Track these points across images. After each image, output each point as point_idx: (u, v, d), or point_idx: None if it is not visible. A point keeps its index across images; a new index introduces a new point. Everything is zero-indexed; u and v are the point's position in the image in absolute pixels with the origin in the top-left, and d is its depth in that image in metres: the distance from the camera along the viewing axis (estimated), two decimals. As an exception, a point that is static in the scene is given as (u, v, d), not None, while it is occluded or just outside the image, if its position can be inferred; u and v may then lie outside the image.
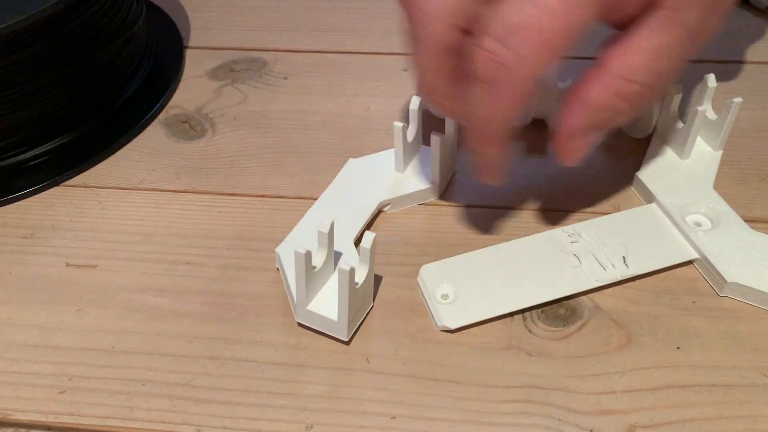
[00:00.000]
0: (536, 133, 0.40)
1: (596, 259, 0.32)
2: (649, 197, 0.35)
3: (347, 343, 0.30)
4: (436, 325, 0.30)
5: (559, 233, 0.33)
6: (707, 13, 0.27)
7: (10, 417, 0.28)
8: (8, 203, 0.37)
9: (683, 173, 0.35)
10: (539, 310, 0.31)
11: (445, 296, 0.31)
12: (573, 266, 0.31)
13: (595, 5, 0.25)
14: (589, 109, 0.28)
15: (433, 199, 0.36)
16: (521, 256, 0.32)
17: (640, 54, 0.27)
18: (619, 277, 0.31)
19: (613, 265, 0.31)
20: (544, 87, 0.38)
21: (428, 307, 0.31)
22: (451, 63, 0.28)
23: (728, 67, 0.44)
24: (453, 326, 0.30)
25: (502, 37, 0.25)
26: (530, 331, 0.30)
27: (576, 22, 0.25)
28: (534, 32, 0.25)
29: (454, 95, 0.29)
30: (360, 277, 0.29)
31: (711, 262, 0.31)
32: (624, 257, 0.32)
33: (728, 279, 0.30)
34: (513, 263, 0.32)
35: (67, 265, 0.34)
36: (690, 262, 0.32)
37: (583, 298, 0.31)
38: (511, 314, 0.30)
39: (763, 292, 0.30)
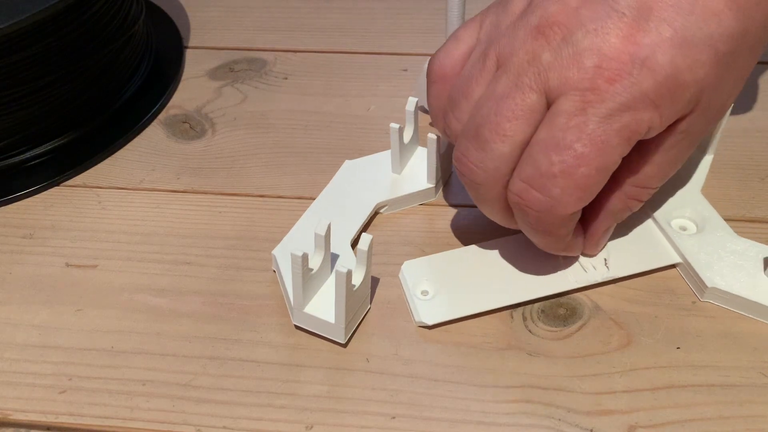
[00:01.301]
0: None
1: (578, 261, 0.32)
2: None
3: (345, 345, 0.30)
4: (414, 320, 0.30)
5: None
6: (712, 122, 0.28)
7: (10, 417, 0.28)
8: (8, 203, 0.37)
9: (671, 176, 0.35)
10: (539, 310, 0.31)
11: (425, 292, 0.31)
12: (554, 266, 0.31)
13: (625, 146, 0.26)
14: (611, 216, 0.30)
15: (430, 199, 0.36)
16: (503, 255, 0.32)
17: (653, 166, 0.28)
18: (599, 279, 0.31)
19: (594, 267, 0.31)
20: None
21: (407, 303, 0.31)
22: (509, 209, 0.29)
23: (728, 67, 0.44)
24: (430, 322, 0.30)
25: (534, 181, 0.26)
26: (530, 331, 0.30)
27: (606, 163, 0.26)
28: (563, 177, 0.26)
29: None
30: (357, 279, 0.29)
31: (693, 267, 0.31)
32: (605, 259, 0.32)
33: (708, 284, 0.30)
34: (494, 262, 0.32)
35: (67, 265, 0.34)
36: (673, 266, 0.32)
37: (583, 298, 0.31)
38: (490, 312, 0.30)
39: (742, 298, 0.30)
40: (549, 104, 0.26)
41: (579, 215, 0.28)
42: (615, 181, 0.28)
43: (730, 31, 0.25)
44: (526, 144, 0.27)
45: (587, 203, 0.27)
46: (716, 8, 0.25)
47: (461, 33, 0.30)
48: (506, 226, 0.30)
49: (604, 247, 0.32)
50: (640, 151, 0.27)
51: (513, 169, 0.27)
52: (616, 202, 0.29)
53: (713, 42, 0.25)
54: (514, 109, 0.26)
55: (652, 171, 0.28)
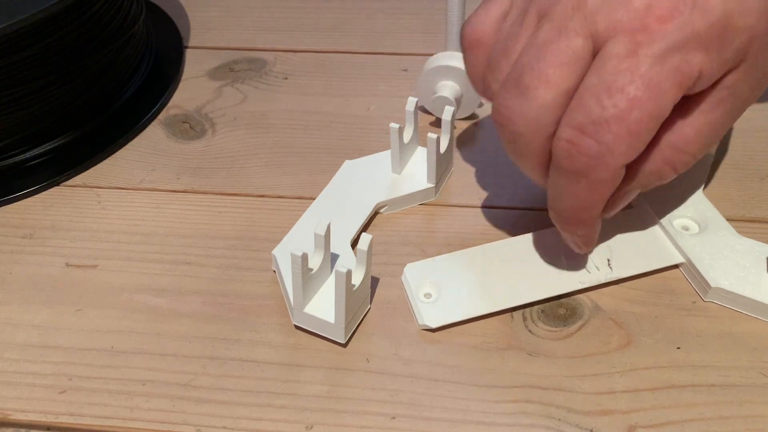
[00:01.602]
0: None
1: (581, 262, 0.32)
2: (637, 200, 0.34)
3: (344, 345, 0.30)
4: (417, 323, 0.30)
5: (545, 234, 0.33)
6: (757, 86, 0.27)
7: (10, 417, 0.28)
8: (8, 203, 0.37)
9: None
10: (539, 310, 0.31)
11: (428, 295, 0.31)
12: (557, 268, 0.31)
13: (677, 91, 0.25)
14: (642, 177, 0.28)
15: (430, 199, 0.36)
16: (506, 256, 0.32)
17: (695, 128, 0.27)
18: (603, 280, 0.31)
19: (598, 268, 0.31)
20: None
21: (410, 305, 0.31)
22: (547, 165, 0.28)
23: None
24: (434, 325, 0.30)
25: (586, 128, 0.25)
26: (530, 331, 0.30)
27: (659, 108, 0.25)
28: (616, 122, 0.25)
29: None
30: (357, 279, 0.29)
31: (696, 267, 0.31)
32: (609, 260, 0.32)
33: (712, 284, 0.30)
34: (497, 264, 0.32)
35: (67, 265, 0.34)
36: (676, 266, 0.32)
37: (583, 298, 0.31)
38: (493, 314, 0.30)
39: (746, 298, 0.30)
40: (595, 51, 0.25)
41: (623, 173, 0.26)
42: (654, 140, 0.27)
43: None
44: (570, 93, 0.26)
45: (637, 154, 0.26)
46: None
47: None
48: (540, 184, 0.29)
49: (616, 211, 0.30)
50: (681, 110, 0.26)
51: (555, 120, 0.26)
52: (650, 163, 0.27)
53: None
54: (558, 54, 0.25)
55: (691, 133, 0.27)
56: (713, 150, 0.36)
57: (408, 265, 0.32)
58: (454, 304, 0.30)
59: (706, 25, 0.24)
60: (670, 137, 0.27)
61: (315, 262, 0.29)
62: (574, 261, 0.32)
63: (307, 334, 0.30)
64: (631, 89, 0.24)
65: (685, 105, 0.26)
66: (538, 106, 0.26)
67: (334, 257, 0.31)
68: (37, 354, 0.30)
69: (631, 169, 0.27)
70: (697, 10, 0.24)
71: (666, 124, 0.26)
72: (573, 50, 0.25)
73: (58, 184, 0.38)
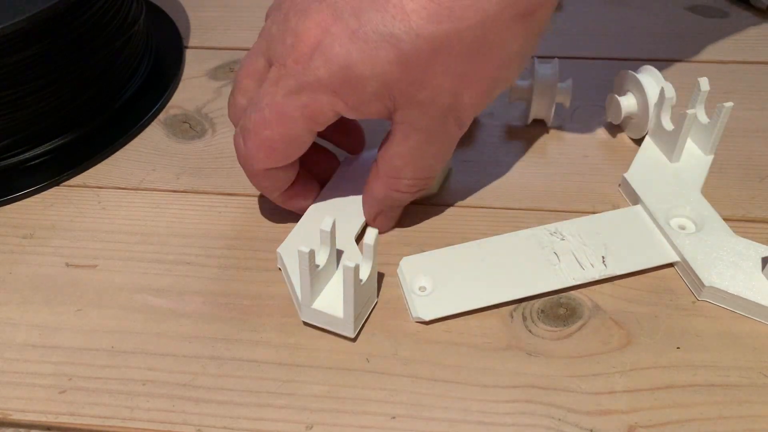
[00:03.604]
0: (536, 133, 0.40)
1: (575, 258, 0.32)
2: (635, 199, 0.35)
3: (353, 339, 0.30)
4: (411, 316, 0.30)
5: (540, 231, 0.33)
6: (441, 117, 0.29)
7: (10, 417, 0.28)
8: (8, 203, 0.37)
9: (671, 176, 0.35)
10: (539, 310, 0.31)
11: (422, 288, 0.31)
12: (552, 264, 0.32)
13: (310, 123, 0.29)
14: (376, 201, 0.33)
15: (429, 197, 0.36)
16: (501, 252, 0.32)
17: (397, 156, 0.30)
18: (597, 277, 0.31)
19: (592, 265, 0.31)
20: (544, 87, 0.38)
21: (405, 298, 0.31)
22: None
23: (728, 66, 0.44)
24: (427, 318, 0.30)
25: (242, 130, 0.30)
26: (530, 331, 0.30)
27: (290, 132, 0.29)
28: (254, 136, 0.29)
29: None
30: (364, 273, 0.29)
31: (690, 266, 0.31)
32: (603, 257, 0.32)
33: (706, 283, 0.30)
34: (492, 259, 0.32)
35: (67, 265, 0.34)
36: (671, 265, 0.32)
37: (583, 298, 0.31)
38: (487, 308, 0.31)
39: (740, 297, 0.30)
40: None
41: (284, 175, 0.31)
42: (376, 169, 0.32)
43: (420, 31, 0.26)
44: None
45: (281, 164, 0.30)
46: (412, 8, 0.26)
47: None
48: None
49: (390, 229, 0.34)
50: (385, 143, 0.30)
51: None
52: (377, 188, 0.32)
53: (395, 41, 0.26)
54: (247, 68, 0.31)
55: (398, 161, 0.30)
56: (714, 150, 0.36)
57: (404, 258, 0.32)
58: (449, 298, 0.30)
59: (328, 73, 0.27)
60: (385, 167, 0.31)
61: (321, 258, 0.29)
62: (568, 258, 0.32)
63: (306, 334, 0.30)
64: (267, 111, 0.29)
65: (386, 139, 0.30)
66: (236, 106, 0.32)
67: (339, 253, 0.31)
68: (37, 354, 0.30)
69: (366, 195, 0.33)
70: (319, 59, 0.27)
71: (381, 156, 0.31)
72: (255, 67, 0.30)
73: (58, 184, 0.38)
